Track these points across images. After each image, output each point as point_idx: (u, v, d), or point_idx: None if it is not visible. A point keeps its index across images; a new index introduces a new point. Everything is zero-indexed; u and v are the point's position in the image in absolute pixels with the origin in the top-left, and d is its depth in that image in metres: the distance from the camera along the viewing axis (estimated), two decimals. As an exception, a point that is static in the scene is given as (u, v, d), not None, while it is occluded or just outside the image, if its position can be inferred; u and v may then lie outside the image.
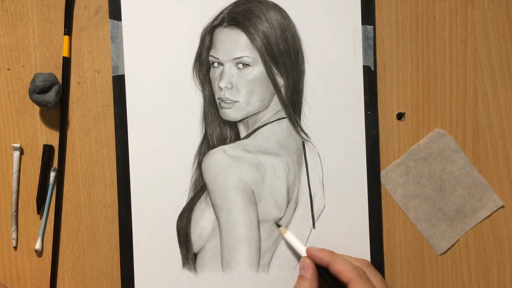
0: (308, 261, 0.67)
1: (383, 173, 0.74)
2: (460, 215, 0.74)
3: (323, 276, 0.67)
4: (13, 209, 0.72)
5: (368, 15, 0.73)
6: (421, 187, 0.74)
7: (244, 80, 0.71)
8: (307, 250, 0.69)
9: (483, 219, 0.75)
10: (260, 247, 0.72)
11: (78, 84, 0.73)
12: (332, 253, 0.67)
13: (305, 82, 0.73)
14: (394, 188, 0.74)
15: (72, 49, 0.73)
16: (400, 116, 0.74)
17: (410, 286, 0.74)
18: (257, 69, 0.71)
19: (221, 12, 0.72)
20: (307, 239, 0.73)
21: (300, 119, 0.73)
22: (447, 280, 0.75)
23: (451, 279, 0.75)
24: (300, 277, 0.67)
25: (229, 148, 0.72)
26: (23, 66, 0.73)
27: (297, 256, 0.73)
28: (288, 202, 0.72)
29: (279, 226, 0.72)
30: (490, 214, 0.75)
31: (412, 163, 0.74)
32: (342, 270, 0.64)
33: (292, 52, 0.72)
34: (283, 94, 0.72)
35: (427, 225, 0.74)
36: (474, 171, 0.74)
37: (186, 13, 0.72)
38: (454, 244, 0.74)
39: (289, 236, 0.71)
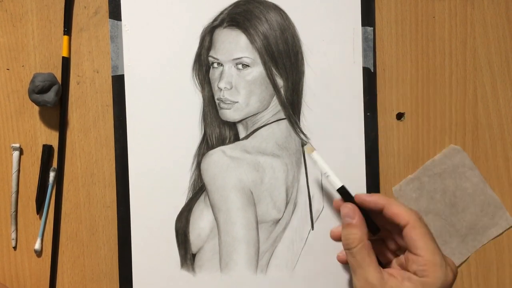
0: (352, 206, 0.63)
1: (396, 188, 0.74)
2: (471, 232, 0.74)
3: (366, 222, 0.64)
4: (13, 209, 0.72)
5: (368, 16, 0.73)
6: (434, 203, 0.74)
7: (243, 80, 0.71)
8: (356, 197, 0.64)
9: (495, 237, 0.74)
10: (258, 248, 0.72)
11: (78, 84, 0.73)
12: (384, 196, 0.64)
13: (304, 83, 0.73)
14: (407, 203, 0.73)
15: (71, 49, 0.73)
16: (399, 116, 0.74)
17: (409, 286, 0.74)
18: (257, 70, 0.71)
19: (221, 13, 0.72)
20: (306, 240, 0.73)
21: (299, 120, 0.73)
22: (446, 280, 0.75)
23: (450, 279, 0.75)
24: (348, 225, 0.62)
25: (228, 149, 0.72)
26: (23, 66, 0.73)
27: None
28: (287, 203, 0.72)
29: (304, 144, 0.71)
30: (502, 233, 0.75)
31: (426, 179, 0.73)
32: (400, 211, 0.60)
33: (292, 53, 0.72)
34: (283, 95, 0.72)
35: (439, 241, 0.73)
36: (487, 189, 0.74)
37: (186, 14, 0.72)
38: (464, 261, 0.74)
39: (318, 158, 0.67)
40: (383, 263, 0.68)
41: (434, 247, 0.59)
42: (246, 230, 0.72)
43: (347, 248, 0.62)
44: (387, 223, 0.64)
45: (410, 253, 0.60)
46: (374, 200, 0.63)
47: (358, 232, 0.62)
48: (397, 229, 0.63)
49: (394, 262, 0.66)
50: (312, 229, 0.73)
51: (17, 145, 0.72)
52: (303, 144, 0.71)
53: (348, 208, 0.64)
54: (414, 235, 0.59)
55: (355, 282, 0.61)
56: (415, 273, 0.59)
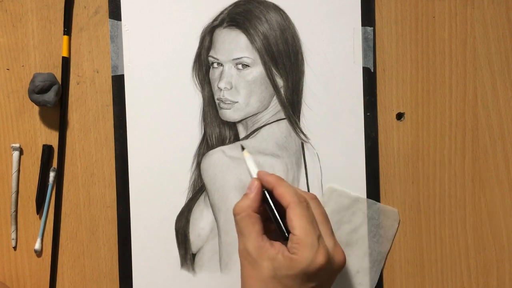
0: (256, 182, 0.65)
1: (332, 187, 0.74)
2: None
3: (266, 203, 0.65)
4: (13, 209, 0.72)
5: (368, 16, 0.73)
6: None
7: (243, 80, 0.71)
8: (258, 173, 0.66)
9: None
10: (258, 248, 0.72)
11: (78, 84, 0.73)
12: (280, 178, 0.65)
13: (304, 83, 0.73)
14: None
15: (71, 49, 0.73)
16: (399, 116, 0.74)
17: (410, 286, 0.75)
18: (257, 70, 0.71)
19: (221, 13, 0.72)
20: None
21: (299, 120, 0.73)
22: (447, 280, 0.75)
23: (450, 279, 0.75)
24: (245, 195, 0.65)
25: (228, 149, 0.72)
26: (23, 66, 0.73)
27: None
28: (287, 203, 0.72)
29: (243, 149, 0.70)
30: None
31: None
32: (284, 193, 0.62)
33: (292, 53, 0.72)
34: (283, 95, 0.72)
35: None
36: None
37: (186, 13, 0.72)
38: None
39: (248, 159, 0.68)
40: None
41: (309, 229, 0.60)
42: (246, 230, 0.72)
43: (234, 215, 0.64)
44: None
45: (291, 232, 0.62)
46: (268, 179, 0.65)
47: (247, 202, 0.64)
48: None
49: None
50: (312, 229, 0.73)
51: (17, 145, 0.72)
52: (242, 147, 0.70)
53: (252, 182, 0.65)
54: (292, 215, 0.61)
55: (238, 246, 0.64)
56: (289, 250, 0.60)
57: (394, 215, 0.74)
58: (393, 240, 0.74)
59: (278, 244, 0.62)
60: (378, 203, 0.74)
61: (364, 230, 0.73)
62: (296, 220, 0.61)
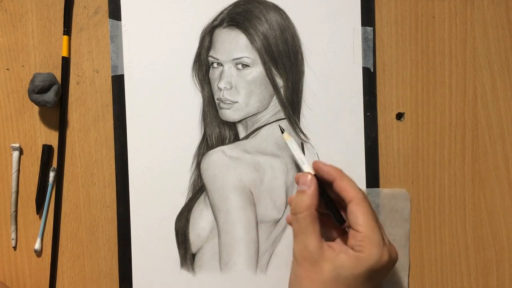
0: (310, 177, 0.63)
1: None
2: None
3: (325, 196, 0.64)
4: (13, 209, 0.72)
5: (368, 16, 0.73)
6: None
7: (243, 80, 0.71)
8: (314, 163, 0.64)
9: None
10: (258, 247, 0.72)
11: (77, 84, 0.73)
12: (340, 170, 0.64)
13: (304, 83, 0.73)
14: None
15: (71, 49, 0.73)
16: (399, 116, 0.74)
17: (410, 286, 0.74)
18: (257, 70, 0.71)
19: (221, 13, 0.72)
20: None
21: (299, 120, 0.73)
22: (447, 280, 0.75)
23: (450, 279, 0.75)
24: (301, 192, 0.63)
25: (228, 149, 0.72)
26: (22, 66, 0.73)
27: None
28: (286, 203, 0.72)
29: (282, 131, 0.69)
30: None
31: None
32: (347, 187, 0.61)
33: (292, 53, 0.72)
34: (283, 95, 0.72)
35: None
36: (406, 249, 0.74)
37: (186, 13, 0.72)
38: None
39: (291, 142, 0.67)
40: (330, 238, 0.67)
41: (374, 225, 0.60)
42: (246, 230, 0.72)
43: (293, 213, 0.63)
44: (337, 196, 0.64)
45: (352, 229, 0.61)
46: (328, 170, 0.64)
47: (308, 200, 0.62)
48: (345, 205, 0.63)
49: (339, 239, 0.65)
50: (312, 229, 0.73)
51: (17, 145, 0.72)
52: (281, 129, 0.70)
53: (306, 177, 0.64)
54: (357, 211, 0.60)
55: (294, 246, 0.62)
56: (352, 248, 0.60)
57: (404, 195, 0.73)
58: (410, 219, 0.74)
59: (335, 245, 0.61)
60: (385, 189, 0.73)
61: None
62: (361, 217, 0.60)
